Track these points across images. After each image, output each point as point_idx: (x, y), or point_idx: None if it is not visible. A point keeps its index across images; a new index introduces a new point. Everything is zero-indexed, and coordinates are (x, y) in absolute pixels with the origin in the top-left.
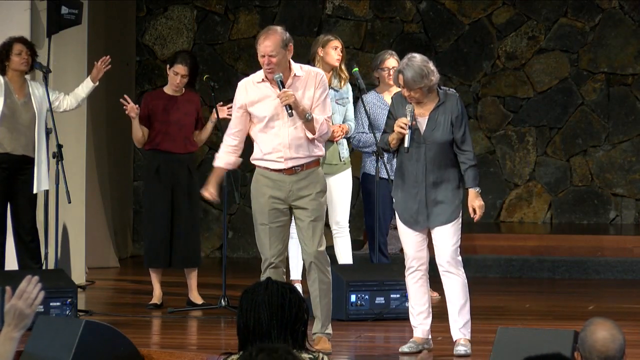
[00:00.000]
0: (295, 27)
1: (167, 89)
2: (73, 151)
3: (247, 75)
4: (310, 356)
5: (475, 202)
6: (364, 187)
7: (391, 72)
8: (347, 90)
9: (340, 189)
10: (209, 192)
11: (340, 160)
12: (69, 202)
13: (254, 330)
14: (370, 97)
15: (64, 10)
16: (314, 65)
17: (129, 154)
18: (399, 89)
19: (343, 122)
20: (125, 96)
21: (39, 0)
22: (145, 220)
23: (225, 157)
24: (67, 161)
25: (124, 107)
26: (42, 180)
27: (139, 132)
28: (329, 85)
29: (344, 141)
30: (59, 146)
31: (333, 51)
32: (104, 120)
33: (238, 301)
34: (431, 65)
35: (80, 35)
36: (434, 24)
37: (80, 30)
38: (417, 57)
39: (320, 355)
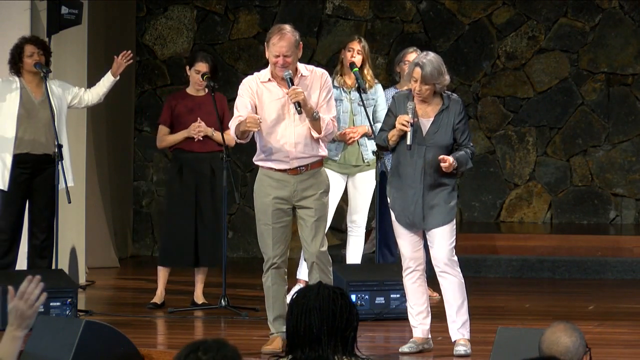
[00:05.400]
0: (295, 27)
1: (190, 90)
2: (73, 151)
3: (247, 75)
4: None
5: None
6: (382, 187)
7: None
8: (375, 91)
9: (362, 188)
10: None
11: (364, 162)
12: (69, 202)
13: (304, 336)
14: (388, 94)
15: (64, 10)
16: (340, 67)
17: (128, 153)
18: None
19: (374, 124)
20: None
21: (39, 0)
22: (165, 220)
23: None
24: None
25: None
26: (69, 177)
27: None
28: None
29: (367, 142)
30: (59, 146)
31: (348, 53)
32: (104, 120)
33: (288, 305)
34: (444, 66)
35: (80, 35)
36: (434, 24)
37: (80, 30)
38: (433, 54)
39: None
